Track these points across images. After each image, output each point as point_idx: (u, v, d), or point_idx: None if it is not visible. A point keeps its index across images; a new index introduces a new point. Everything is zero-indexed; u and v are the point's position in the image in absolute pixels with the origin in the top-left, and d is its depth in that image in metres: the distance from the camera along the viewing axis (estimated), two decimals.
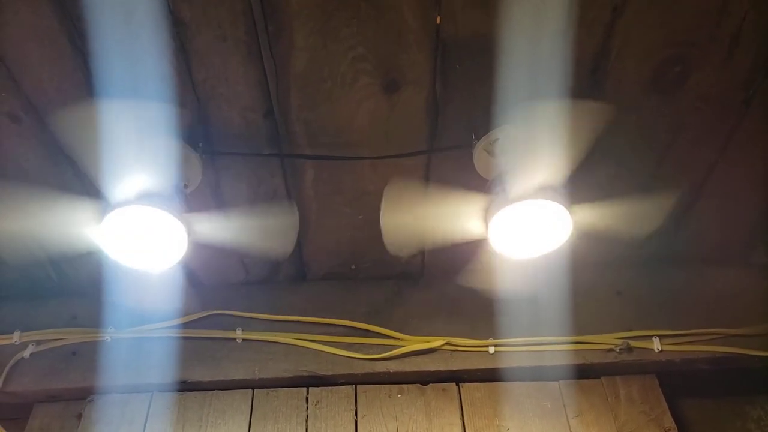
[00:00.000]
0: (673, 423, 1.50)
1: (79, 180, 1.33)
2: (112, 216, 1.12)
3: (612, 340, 1.55)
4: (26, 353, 1.56)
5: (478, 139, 1.27)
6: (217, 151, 1.33)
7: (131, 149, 1.12)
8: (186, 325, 1.59)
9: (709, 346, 1.55)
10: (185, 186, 1.25)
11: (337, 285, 1.67)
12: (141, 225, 1.17)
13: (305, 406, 1.53)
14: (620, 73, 1.24)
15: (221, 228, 1.24)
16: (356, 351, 1.55)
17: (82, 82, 1.20)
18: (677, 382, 1.61)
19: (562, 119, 1.10)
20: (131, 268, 1.26)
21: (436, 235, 1.28)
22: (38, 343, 1.58)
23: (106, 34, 1.13)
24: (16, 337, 1.58)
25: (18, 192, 1.14)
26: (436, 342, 1.56)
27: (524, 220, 1.21)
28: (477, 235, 1.27)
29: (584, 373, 1.57)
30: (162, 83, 1.20)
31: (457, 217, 1.26)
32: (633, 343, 1.55)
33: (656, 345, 1.55)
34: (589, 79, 1.24)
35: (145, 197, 1.13)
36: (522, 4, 1.11)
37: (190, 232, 1.19)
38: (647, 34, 1.18)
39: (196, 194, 1.35)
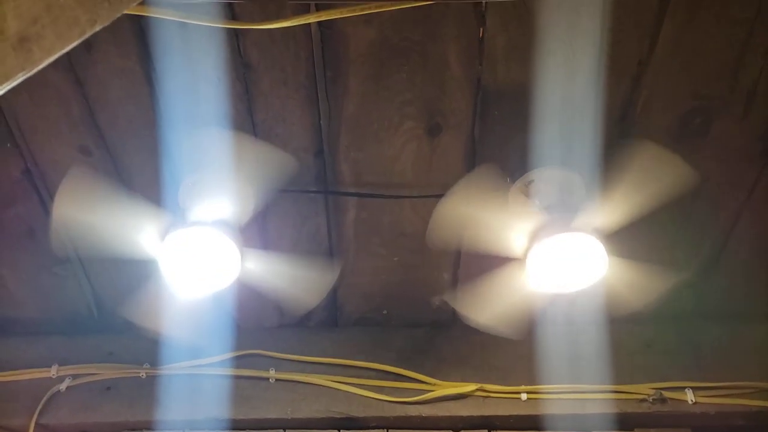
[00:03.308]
0: None
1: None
2: (177, 233, 1.20)
3: (645, 390, 1.55)
4: (62, 387, 1.58)
5: (513, 181, 1.36)
6: (267, 187, 1.41)
7: (197, 179, 1.21)
8: (220, 364, 1.61)
9: (744, 400, 1.54)
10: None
11: (368, 330, 1.70)
12: (198, 249, 1.24)
13: None
14: (646, 123, 1.33)
15: (265, 267, 1.30)
16: (387, 394, 1.56)
17: (151, 119, 1.31)
18: None
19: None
20: (180, 294, 1.31)
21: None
22: (74, 377, 1.61)
23: (176, 75, 1.26)
24: (53, 371, 1.61)
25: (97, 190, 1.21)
26: (468, 387, 1.56)
27: (560, 255, 1.27)
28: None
29: (618, 424, 1.55)
30: (223, 121, 1.31)
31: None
32: (666, 394, 1.54)
33: (690, 396, 1.54)
34: (617, 128, 1.33)
35: (215, 222, 1.21)
36: (555, 55, 1.23)
37: (242, 263, 1.26)
38: (671, 86, 1.28)
39: (244, 229, 1.42)
